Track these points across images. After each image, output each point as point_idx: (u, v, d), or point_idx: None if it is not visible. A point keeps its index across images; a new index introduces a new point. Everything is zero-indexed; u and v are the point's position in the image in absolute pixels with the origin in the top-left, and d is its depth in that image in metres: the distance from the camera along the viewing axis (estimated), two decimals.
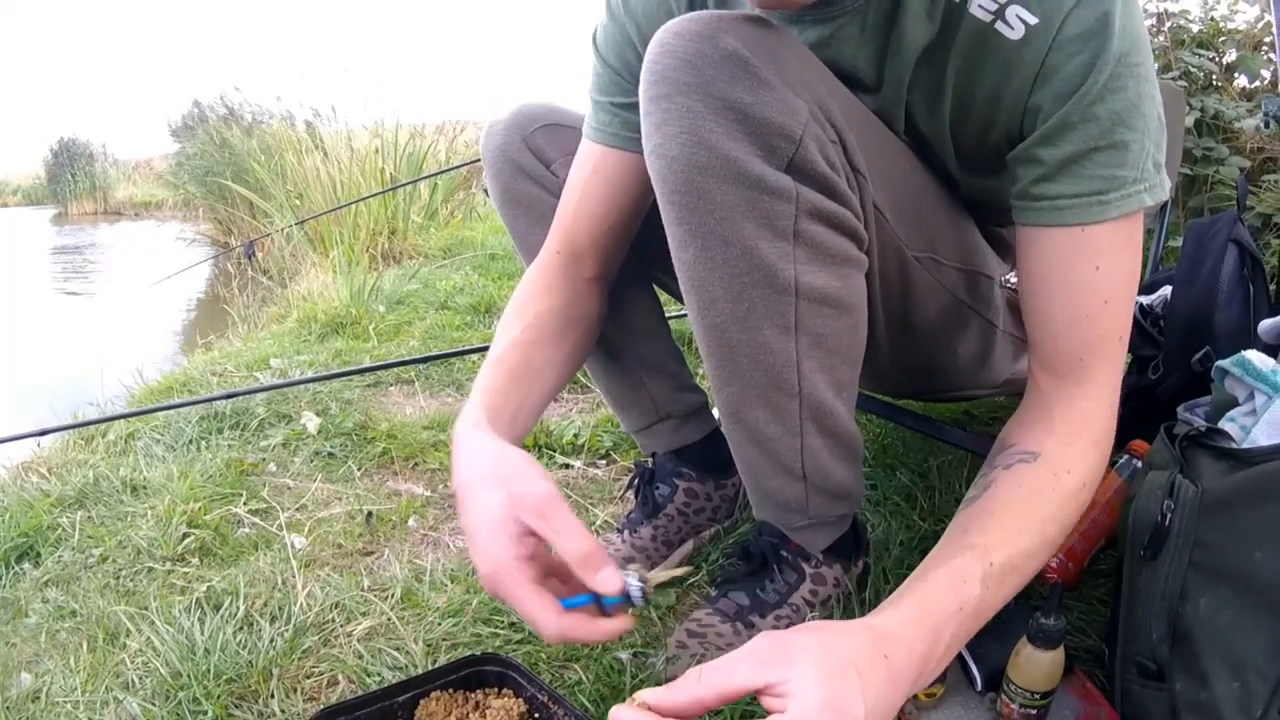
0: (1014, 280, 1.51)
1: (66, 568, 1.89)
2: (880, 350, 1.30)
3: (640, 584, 1.00)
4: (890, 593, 1.39)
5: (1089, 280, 1.09)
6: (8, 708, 1.43)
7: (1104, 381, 1.13)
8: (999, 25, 1.06)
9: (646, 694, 0.83)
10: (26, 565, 1.95)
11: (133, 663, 1.48)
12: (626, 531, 1.65)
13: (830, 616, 1.40)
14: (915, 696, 1.20)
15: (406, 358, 3.11)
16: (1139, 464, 1.48)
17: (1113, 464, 1.50)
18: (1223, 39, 3.71)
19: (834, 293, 1.14)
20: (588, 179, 1.38)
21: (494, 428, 1.15)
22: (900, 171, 1.24)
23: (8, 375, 5.81)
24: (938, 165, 1.29)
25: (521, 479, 1.04)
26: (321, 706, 1.27)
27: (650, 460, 1.74)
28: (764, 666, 0.83)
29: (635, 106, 1.12)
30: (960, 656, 1.25)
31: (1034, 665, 1.11)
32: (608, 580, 0.99)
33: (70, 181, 26.39)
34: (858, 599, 1.43)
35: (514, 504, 1.01)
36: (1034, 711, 1.13)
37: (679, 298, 1.55)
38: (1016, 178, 1.13)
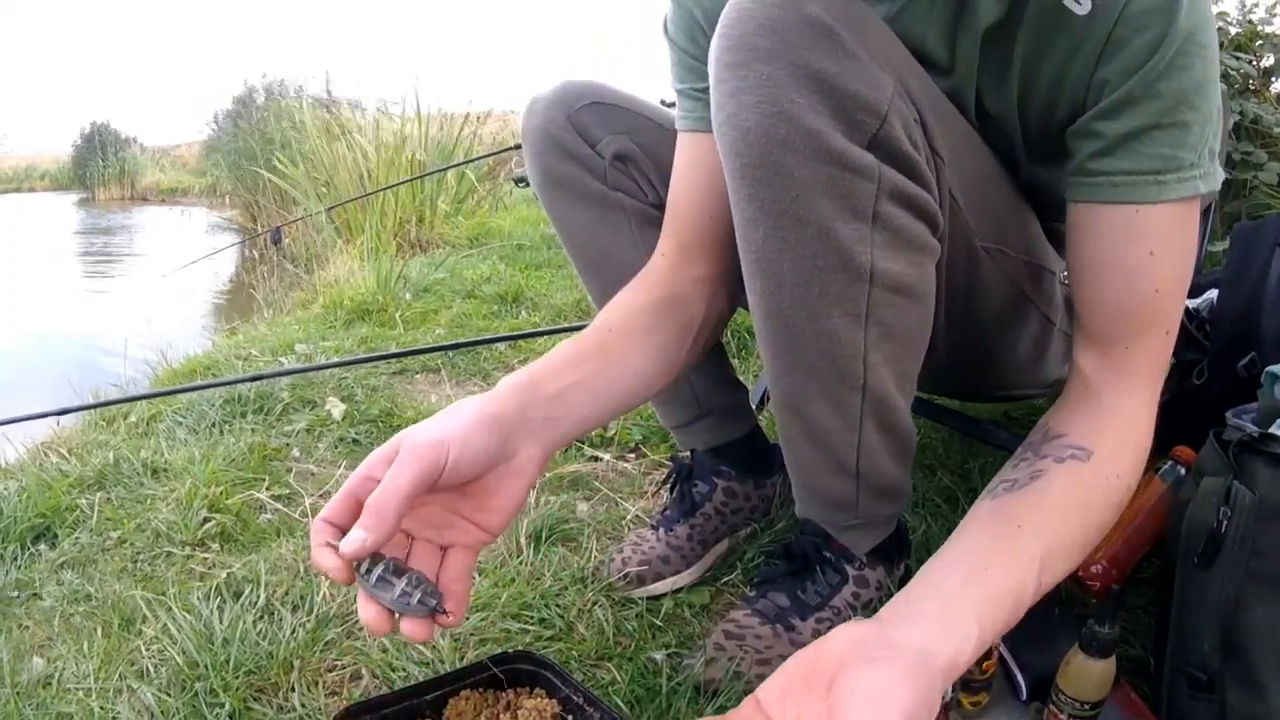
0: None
1: (83, 550, 1.85)
2: (937, 343, 1.23)
3: (368, 578, 0.90)
4: None
5: (1142, 265, 1.04)
6: (18, 693, 1.39)
7: (1148, 375, 1.10)
8: (1067, 1, 1.01)
9: None
10: (43, 546, 1.92)
11: (148, 650, 1.43)
12: (662, 529, 1.60)
13: None
14: (960, 704, 1.17)
15: (433, 344, 3.06)
16: (1184, 471, 1.43)
17: (1157, 470, 1.46)
18: (1260, 43, 3.66)
19: (908, 281, 1.08)
20: (685, 171, 1.30)
21: (500, 394, 1.04)
22: (972, 157, 1.18)
23: (31, 356, 5.81)
24: (1003, 150, 1.23)
25: (415, 432, 0.94)
26: (345, 703, 1.22)
27: (688, 456, 1.68)
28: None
29: None
30: (1004, 664, 1.22)
31: (1085, 674, 1.08)
32: (348, 540, 0.87)
33: (99, 166, 26.53)
34: None
35: (377, 455, 0.94)
36: None
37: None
38: (1075, 152, 1.08)
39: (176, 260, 6.59)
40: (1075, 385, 1.14)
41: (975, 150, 1.20)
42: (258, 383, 2.59)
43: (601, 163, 1.43)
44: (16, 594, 1.75)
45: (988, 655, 1.14)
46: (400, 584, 0.89)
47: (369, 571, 0.89)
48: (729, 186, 1.04)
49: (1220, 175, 1.06)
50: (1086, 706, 1.08)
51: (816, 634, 1.31)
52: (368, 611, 0.90)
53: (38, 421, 2.57)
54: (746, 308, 1.52)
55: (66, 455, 2.39)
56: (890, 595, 1.35)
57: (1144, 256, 1.04)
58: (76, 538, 1.90)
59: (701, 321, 1.30)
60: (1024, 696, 1.20)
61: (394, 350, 3.00)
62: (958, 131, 1.15)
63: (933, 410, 1.92)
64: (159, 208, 20.81)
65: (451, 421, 0.96)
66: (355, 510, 0.89)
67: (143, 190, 25.88)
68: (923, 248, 1.08)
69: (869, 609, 1.36)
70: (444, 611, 0.92)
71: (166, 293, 7.41)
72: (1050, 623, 1.26)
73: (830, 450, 1.21)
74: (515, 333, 3.16)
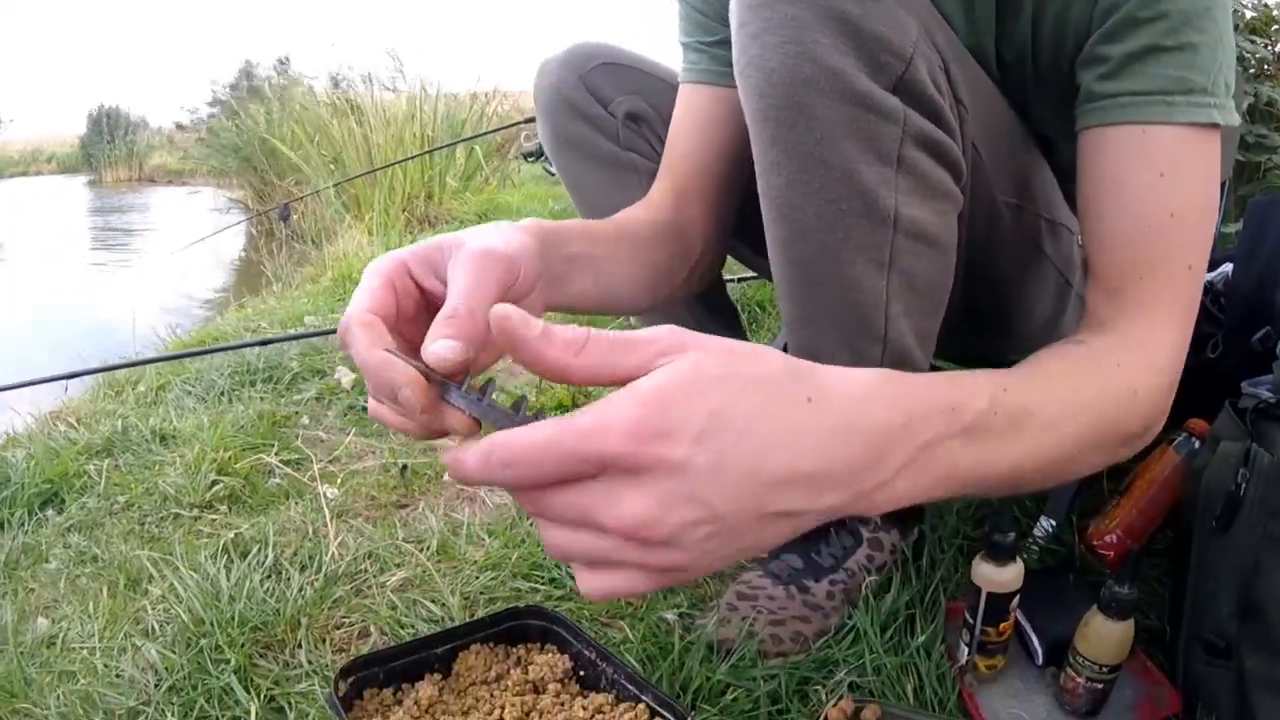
0: None
1: (91, 514, 1.84)
2: (954, 301, 1.19)
3: (471, 397, 0.65)
4: (947, 562, 1.32)
5: (1151, 187, 0.97)
6: (22, 653, 1.38)
7: (1169, 312, 0.97)
8: None
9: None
10: (50, 512, 1.91)
11: (154, 609, 1.42)
12: None
13: (887, 584, 1.32)
14: (975, 667, 1.14)
15: None
16: (1198, 443, 1.40)
17: (1170, 441, 1.43)
18: (1275, 28, 3.62)
19: (931, 230, 1.04)
20: (682, 121, 1.28)
21: (528, 228, 0.87)
22: (993, 111, 1.15)
23: (41, 333, 5.80)
24: (1019, 103, 1.20)
25: (479, 238, 0.79)
26: (352, 657, 1.20)
27: None
28: (659, 357, 0.58)
29: (722, 43, 1.04)
30: (1020, 629, 1.18)
31: (1103, 637, 1.05)
32: (434, 350, 0.67)
33: (108, 148, 26.58)
34: (914, 566, 1.35)
35: (413, 253, 0.78)
36: (1100, 686, 1.07)
37: (741, 259, 1.47)
38: (1081, 82, 1.04)
39: (185, 238, 6.55)
40: (1080, 323, 1.04)
41: (996, 104, 1.17)
42: (266, 351, 2.58)
43: (614, 123, 1.40)
44: (23, 558, 1.74)
45: (1004, 618, 1.11)
46: (509, 407, 0.64)
47: (469, 391, 0.67)
48: (751, 132, 1.01)
49: (1236, 117, 1.01)
50: (1104, 669, 1.05)
51: (830, 596, 1.29)
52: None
53: (46, 392, 2.57)
54: (739, 258, 1.50)
55: (75, 424, 2.37)
56: (904, 559, 1.33)
57: (1153, 178, 0.97)
58: (84, 502, 1.89)
59: (699, 254, 1.26)
60: (1040, 661, 1.17)
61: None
62: (979, 84, 1.12)
63: None
64: (167, 188, 20.78)
65: (507, 238, 0.81)
66: (394, 302, 0.75)
67: (150, 171, 25.88)
68: (946, 195, 1.05)
69: (883, 572, 1.33)
70: None
71: (175, 272, 7.39)
72: (1066, 589, 1.25)
73: None
74: None
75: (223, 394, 2.42)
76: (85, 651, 1.35)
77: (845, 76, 0.93)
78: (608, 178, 1.42)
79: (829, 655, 1.21)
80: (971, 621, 1.12)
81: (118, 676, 1.28)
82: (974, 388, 0.73)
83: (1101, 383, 0.88)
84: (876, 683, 1.16)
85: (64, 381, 2.56)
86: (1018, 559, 1.10)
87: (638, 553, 0.57)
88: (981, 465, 0.72)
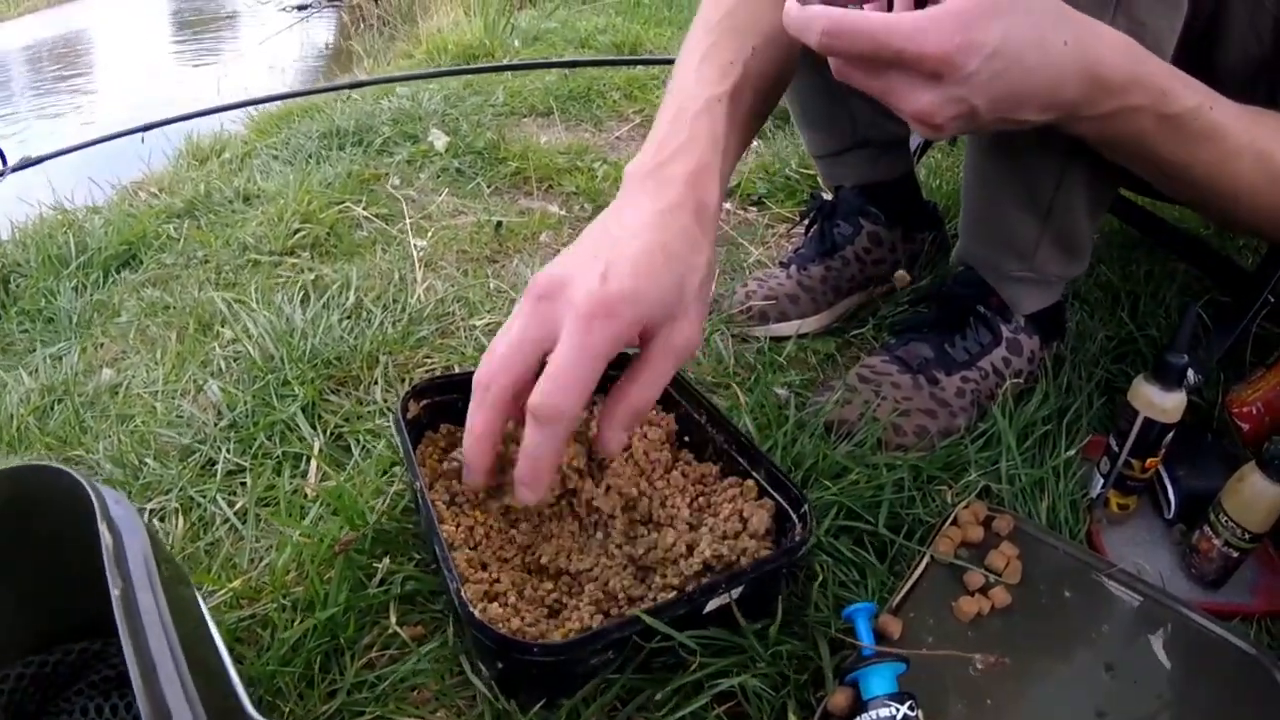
0: None
1: (167, 269, 1.75)
2: None
3: None
4: (1085, 387, 1.27)
5: None
6: (83, 404, 1.30)
7: None
8: None
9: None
10: (126, 273, 1.83)
11: (224, 350, 1.32)
12: (794, 267, 1.44)
13: (1023, 394, 1.24)
14: (1107, 505, 1.09)
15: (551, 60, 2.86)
16: None
17: None
18: None
19: None
20: None
21: (690, 180, 0.82)
22: None
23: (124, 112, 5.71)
24: None
25: (663, 299, 0.74)
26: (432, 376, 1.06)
27: (831, 194, 1.52)
28: None
29: None
30: (1160, 477, 1.11)
31: (1257, 497, 0.96)
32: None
33: None
34: (1053, 385, 1.24)
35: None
36: (1235, 555, 0.99)
37: None
38: None
39: (272, 27, 6.41)
40: None
41: None
42: (356, 113, 2.50)
43: None
44: (96, 315, 1.67)
45: (1154, 452, 1.03)
46: None
47: None
48: None
49: None
50: (1246, 536, 0.97)
51: (960, 394, 1.19)
52: None
53: (127, 165, 2.51)
54: None
55: (156, 193, 2.29)
56: (1044, 371, 1.28)
57: None
58: (161, 259, 1.80)
59: None
60: (1170, 514, 1.09)
61: (507, 63, 2.82)
62: None
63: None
64: None
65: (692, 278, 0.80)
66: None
67: None
68: None
69: (1019, 379, 1.24)
70: None
71: (263, 61, 7.25)
72: (1204, 448, 1.15)
73: (1026, 177, 1.10)
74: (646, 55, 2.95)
75: (310, 156, 2.31)
76: (147, 395, 1.26)
77: None
78: None
79: (958, 456, 1.12)
80: (1117, 450, 1.05)
81: (177, 416, 1.19)
82: (1189, 88, 0.83)
83: None
84: (1009, 493, 1.08)
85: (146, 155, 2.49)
86: (1183, 390, 1.01)
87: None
88: (1162, 146, 0.86)
